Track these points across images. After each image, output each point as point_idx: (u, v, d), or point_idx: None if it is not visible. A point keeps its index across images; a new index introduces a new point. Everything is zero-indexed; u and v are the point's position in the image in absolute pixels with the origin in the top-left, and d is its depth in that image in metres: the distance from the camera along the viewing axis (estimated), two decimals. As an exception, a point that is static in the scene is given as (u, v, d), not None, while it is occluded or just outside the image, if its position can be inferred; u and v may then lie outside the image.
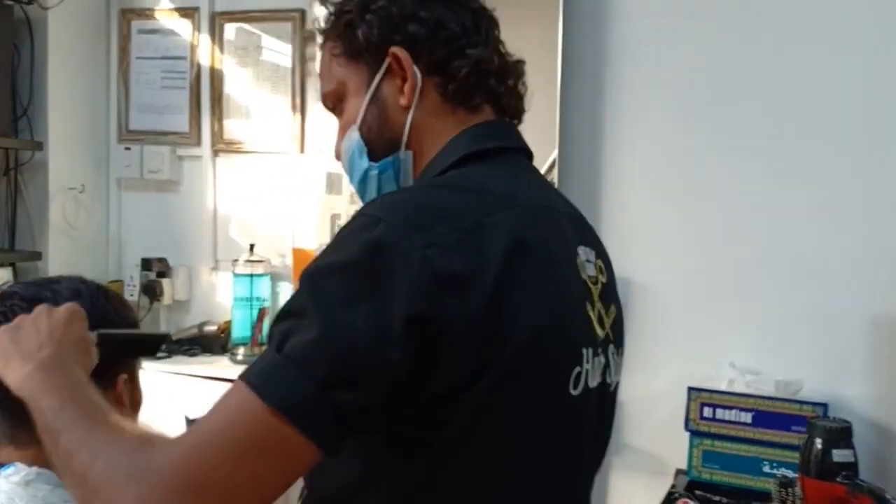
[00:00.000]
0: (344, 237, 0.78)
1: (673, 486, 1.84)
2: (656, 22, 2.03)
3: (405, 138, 0.92)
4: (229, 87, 2.66)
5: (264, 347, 2.61)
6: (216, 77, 2.67)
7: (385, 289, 0.72)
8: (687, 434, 1.87)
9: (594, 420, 0.91)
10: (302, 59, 2.55)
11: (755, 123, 1.94)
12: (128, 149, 2.75)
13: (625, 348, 0.98)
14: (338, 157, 1.00)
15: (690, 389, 1.87)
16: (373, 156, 0.94)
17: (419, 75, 0.90)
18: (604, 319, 0.91)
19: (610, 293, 0.95)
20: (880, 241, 1.83)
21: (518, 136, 0.96)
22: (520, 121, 0.98)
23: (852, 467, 1.43)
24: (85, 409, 0.80)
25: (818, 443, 1.45)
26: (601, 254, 0.96)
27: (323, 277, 0.76)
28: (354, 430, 0.74)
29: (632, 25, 2.05)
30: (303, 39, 2.54)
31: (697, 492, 1.78)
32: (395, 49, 0.90)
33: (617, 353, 0.95)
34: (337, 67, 0.95)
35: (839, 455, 1.44)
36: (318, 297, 0.74)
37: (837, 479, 1.42)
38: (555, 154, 2.06)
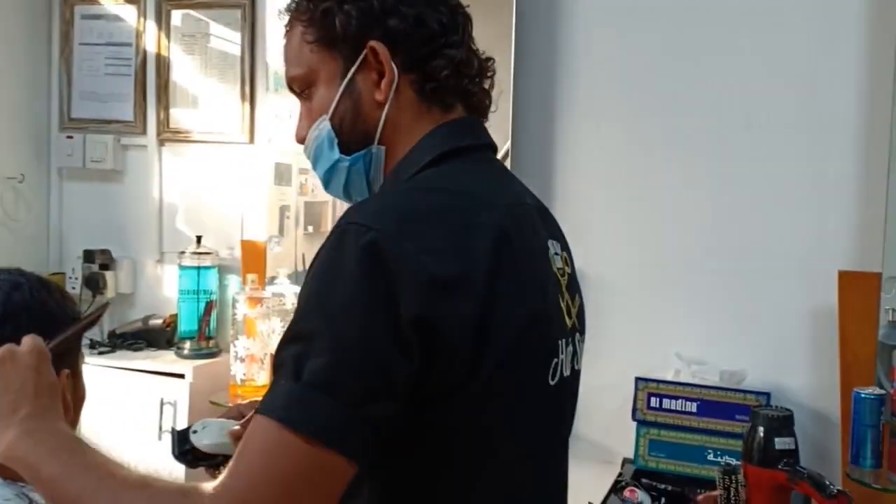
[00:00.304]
0: (334, 248, 0.77)
1: (620, 475, 1.86)
2: (607, 20, 2.06)
3: (378, 133, 0.91)
4: (176, 75, 2.60)
5: (211, 341, 2.55)
6: (162, 64, 2.61)
7: (385, 297, 0.73)
8: (634, 423, 1.90)
9: (568, 406, 0.95)
10: (252, 48, 2.51)
11: (702, 120, 1.98)
12: (70, 137, 2.67)
13: (586, 335, 1.01)
14: (300, 141, 0.98)
15: (638, 380, 1.90)
16: (343, 148, 0.93)
17: (396, 71, 0.89)
18: (570, 309, 0.94)
19: (574, 284, 0.98)
20: (821, 235, 1.88)
21: (485, 132, 0.97)
22: (486, 118, 0.98)
23: (793, 455, 1.46)
24: (97, 470, 0.76)
25: (761, 431, 1.48)
26: (565, 246, 0.99)
27: (323, 294, 0.75)
28: (385, 438, 0.75)
29: (583, 23, 2.07)
30: (252, 27, 2.49)
31: (644, 480, 1.81)
32: (373, 43, 0.89)
33: (581, 341, 0.98)
34: (309, 53, 0.93)
35: (781, 443, 1.46)
36: (322, 315, 0.74)
37: (779, 467, 1.45)
38: (507, 145, 2.07)
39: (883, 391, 1.54)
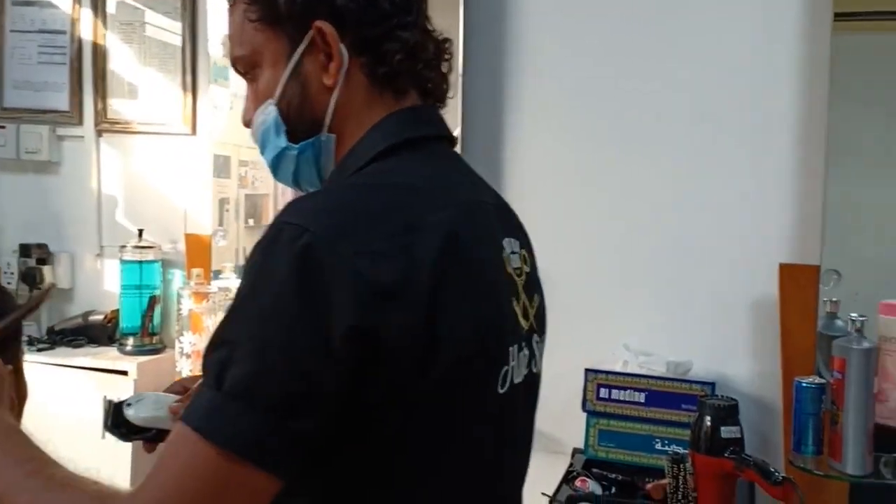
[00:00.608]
0: (267, 250, 0.73)
1: (571, 465, 1.89)
2: (553, 19, 2.08)
3: (328, 120, 0.86)
4: (114, 64, 2.52)
5: (155, 337, 2.48)
6: (99, 53, 2.52)
7: (318, 306, 0.69)
8: (584, 414, 1.92)
9: (522, 411, 0.91)
10: (193, 37, 2.44)
11: (647, 118, 2.02)
12: (2, 127, 2.57)
13: (546, 335, 0.98)
14: (247, 125, 0.93)
15: (587, 371, 1.92)
16: (291, 135, 0.88)
17: (346, 54, 0.84)
18: (528, 311, 0.90)
19: (533, 283, 0.94)
20: (762, 229, 1.93)
21: (441, 122, 0.92)
22: (444, 103, 0.93)
23: (739, 443, 1.50)
24: (27, 465, 0.75)
25: (707, 420, 1.52)
26: (525, 243, 0.95)
27: (252, 299, 0.72)
28: (313, 449, 0.72)
29: (531, 18, 2.08)
30: (193, 16, 2.43)
31: (595, 470, 1.84)
32: (320, 23, 0.83)
33: (540, 342, 0.94)
34: (252, 32, 0.87)
35: (727, 431, 1.50)
36: (248, 321, 0.71)
37: (725, 455, 1.49)
38: (456, 132, 2.07)
39: (823, 380, 1.59)
